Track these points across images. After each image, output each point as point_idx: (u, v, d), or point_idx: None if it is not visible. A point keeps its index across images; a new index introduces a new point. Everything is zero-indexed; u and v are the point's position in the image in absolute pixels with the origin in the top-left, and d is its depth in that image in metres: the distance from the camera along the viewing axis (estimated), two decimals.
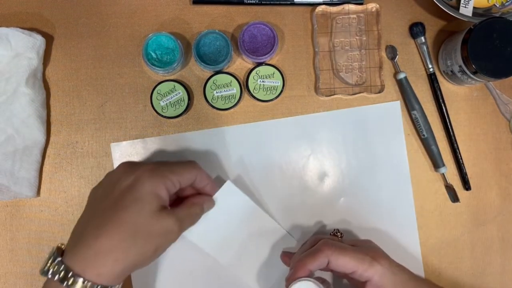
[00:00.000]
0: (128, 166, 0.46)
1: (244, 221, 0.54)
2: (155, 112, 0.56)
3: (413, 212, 0.59)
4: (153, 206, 0.43)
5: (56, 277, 0.41)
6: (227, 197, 0.53)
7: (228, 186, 0.53)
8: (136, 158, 0.58)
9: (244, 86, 0.58)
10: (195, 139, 0.58)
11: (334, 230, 0.55)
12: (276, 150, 0.58)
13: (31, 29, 0.56)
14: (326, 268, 0.47)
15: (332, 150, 0.59)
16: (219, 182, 0.55)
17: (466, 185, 0.59)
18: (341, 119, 0.59)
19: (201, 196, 0.51)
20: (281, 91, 0.57)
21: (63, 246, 0.44)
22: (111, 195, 0.44)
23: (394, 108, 0.59)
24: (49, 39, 0.58)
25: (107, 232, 0.41)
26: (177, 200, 0.51)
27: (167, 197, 0.45)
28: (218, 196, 0.52)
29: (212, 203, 0.52)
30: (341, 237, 0.54)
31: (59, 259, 0.42)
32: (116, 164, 0.57)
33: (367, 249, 0.49)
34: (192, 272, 0.57)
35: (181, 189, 0.49)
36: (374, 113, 0.59)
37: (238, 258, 0.54)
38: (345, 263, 0.46)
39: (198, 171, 0.49)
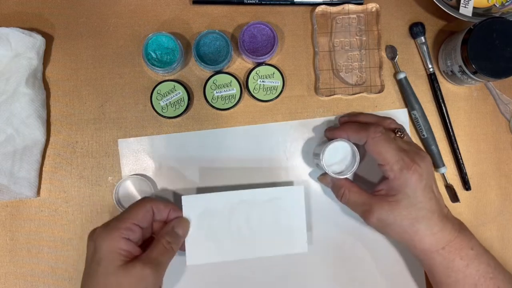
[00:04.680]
0: (89, 235, 0.47)
1: (229, 213, 0.51)
2: (155, 112, 0.56)
3: None
4: (117, 262, 0.44)
5: None
6: (195, 208, 0.51)
7: (187, 200, 0.51)
8: (142, 154, 0.57)
9: (244, 86, 0.58)
10: (206, 138, 0.58)
11: (396, 129, 0.52)
12: (277, 151, 0.58)
13: (31, 29, 0.56)
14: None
15: (337, 154, 0.58)
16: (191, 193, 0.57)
17: (466, 185, 0.59)
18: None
19: (168, 224, 0.49)
20: (281, 91, 0.57)
21: None
22: (86, 267, 0.46)
23: (401, 115, 0.59)
24: (49, 39, 0.58)
25: None
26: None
27: (130, 246, 0.45)
28: (187, 214, 0.51)
29: (184, 222, 0.50)
30: (402, 137, 0.52)
31: None
32: (123, 160, 0.57)
33: (415, 154, 0.49)
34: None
35: (148, 229, 0.49)
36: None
37: (249, 245, 0.51)
38: (380, 152, 0.49)
39: (151, 204, 0.48)
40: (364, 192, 0.52)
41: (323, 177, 0.56)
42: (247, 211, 0.51)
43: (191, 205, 0.51)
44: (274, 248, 0.52)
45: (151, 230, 0.50)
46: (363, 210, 0.51)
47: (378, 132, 0.49)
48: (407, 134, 0.54)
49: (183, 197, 0.51)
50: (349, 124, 0.53)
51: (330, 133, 0.56)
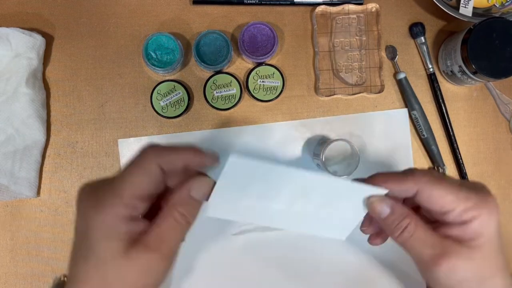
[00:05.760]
0: (77, 204, 0.35)
1: (279, 188, 0.37)
2: (155, 112, 0.56)
3: None
4: (115, 251, 0.33)
5: None
6: (240, 175, 0.35)
7: (231, 164, 0.34)
8: None
9: (244, 86, 0.58)
10: (206, 138, 0.58)
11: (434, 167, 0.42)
12: (278, 152, 0.58)
13: (31, 29, 0.56)
14: (412, 202, 0.37)
15: (337, 154, 0.58)
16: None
17: None
18: (348, 124, 0.59)
19: (182, 187, 0.35)
20: (281, 91, 0.57)
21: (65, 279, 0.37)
22: (75, 247, 0.35)
23: (401, 115, 0.59)
24: (49, 39, 0.58)
25: None
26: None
27: (132, 225, 0.33)
28: (226, 178, 0.35)
29: (206, 183, 0.36)
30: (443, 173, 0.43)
31: None
32: (123, 160, 0.57)
33: (475, 189, 0.37)
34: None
35: (159, 187, 0.36)
36: (381, 120, 0.59)
37: (287, 217, 0.40)
38: (441, 195, 0.35)
39: (158, 162, 0.34)
40: (433, 231, 0.37)
41: (379, 200, 0.37)
42: (304, 192, 0.38)
43: (237, 170, 0.35)
44: (311, 226, 0.40)
45: (163, 186, 0.36)
46: (433, 253, 0.36)
47: (428, 174, 0.36)
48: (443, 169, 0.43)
49: (231, 157, 0.34)
50: (387, 175, 0.38)
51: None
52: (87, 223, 0.33)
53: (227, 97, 0.57)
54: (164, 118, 0.57)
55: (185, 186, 0.35)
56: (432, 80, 0.59)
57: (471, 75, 0.54)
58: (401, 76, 0.58)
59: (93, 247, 0.33)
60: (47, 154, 0.57)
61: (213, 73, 0.57)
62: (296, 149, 0.59)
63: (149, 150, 0.35)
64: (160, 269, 0.34)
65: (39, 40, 0.55)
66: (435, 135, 0.59)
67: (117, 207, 0.33)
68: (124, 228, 0.33)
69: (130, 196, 0.33)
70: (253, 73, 0.57)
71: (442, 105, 0.59)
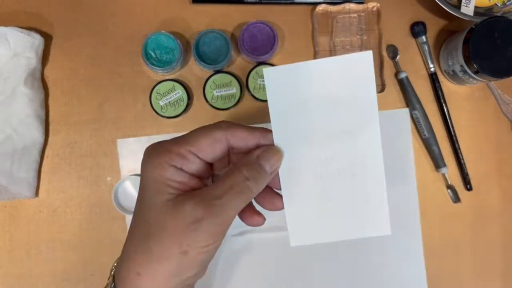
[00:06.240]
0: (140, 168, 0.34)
1: (351, 121, 0.34)
2: (154, 112, 0.56)
3: (417, 214, 0.58)
4: (161, 196, 0.31)
5: None
6: (354, 70, 0.33)
7: (365, 56, 0.33)
8: (141, 154, 0.56)
9: (244, 85, 0.57)
10: None
11: None
12: None
13: (29, 29, 0.56)
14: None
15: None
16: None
17: (467, 185, 0.59)
18: None
19: (252, 153, 0.33)
20: None
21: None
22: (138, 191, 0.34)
23: (402, 115, 0.59)
24: (48, 39, 0.57)
25: (146, 273, 0.32)
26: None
27: (182, 176, 0.32)
28: (348, 60, 0.33)
29: (275, 153, 0.33)
30: None
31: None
32: (122, 160, 0.57)
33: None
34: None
35: (223, 162, 0.35)
36: (382, 119, 0.58)
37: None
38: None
39: (226, 133, 0.33)
40: None
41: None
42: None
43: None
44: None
45: (228, 163, 0.36)
46: None
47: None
48: None
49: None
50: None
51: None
52: (142, 175, 0.33)
53: (227, 97, 0.56)
54: (164, 118, 0.56)
55: (254, 152, 0.33)
56: (433, 79, 0.59)
57: (472, 75, 0.53)
58: (402, 75, 0.58)
59: (145, 189, 0.32)
60: (46, 154, 0.57)
61: (212, 73, 0.57)
62: None
63: (223, 122, 0.34)
64: (204, 229, 0.30)
65: (37, 39, 0.55)
66: (436, 135, 0.58)
67: (170, 154, 0.32)
68: (173, 176, 0.32)
69: (185, 148, 0.32)
70: (253, 72, 0.56)
71: (444, 105, 0.59)
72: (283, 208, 0.35)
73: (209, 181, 0.36)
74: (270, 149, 0.33)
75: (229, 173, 0.32)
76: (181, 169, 0.32)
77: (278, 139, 0.34)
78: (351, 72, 0.33)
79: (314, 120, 0.34)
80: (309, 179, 0.34)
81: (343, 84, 0.33)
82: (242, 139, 0.34)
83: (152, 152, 0.33)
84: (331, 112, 0.34)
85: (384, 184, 0.34)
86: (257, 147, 0.34)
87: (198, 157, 0.33)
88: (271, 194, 0.35)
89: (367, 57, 0.32)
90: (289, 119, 0.34)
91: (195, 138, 0.33)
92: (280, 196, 0.35)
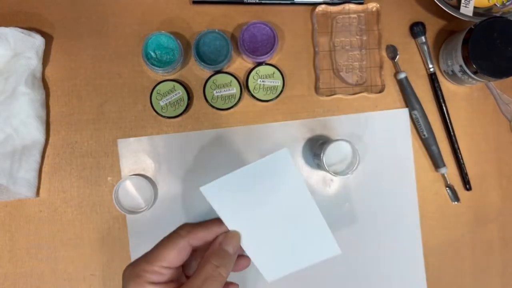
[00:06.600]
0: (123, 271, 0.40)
1: (285, 199, 0.40)
2: (154, 112, 0.56)
3: (417, 214, 0.58)
4: None
5: None
6: (276, 165, 0.39)
7: (282, 154, 0.38)
8: (142, 154, 0.57)
9: (244, 86, 0.57)
10: (205, 138, 0.58)
11: None
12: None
13: (30, 29, 0.56)
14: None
15: (337, 154, 0.58)
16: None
17: (467, 185, 0.59)
18: (348, 123, 0.59)
19: (214, 242, 0.40)
20: (281, 91, 0.57)
21: None
22: None
23: (402, 115, 0.59)
24: (48, 39, 0.57)
25: None
26: None
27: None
28: (269, 160, 0.38)
29: (234, 236, 0.40)
30: None
31: None
32: (123, 160, 0.57)
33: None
34: None
35: (189, 259, 0.40)
36: (382, 119, 0.59)
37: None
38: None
39: (188, 239, 0.38)
40: None
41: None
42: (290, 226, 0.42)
43: (279, 162, 0.39)
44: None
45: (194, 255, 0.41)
46: None
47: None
48: None
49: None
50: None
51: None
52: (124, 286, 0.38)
53: (227, 97, 0.56)
54: (164, 118, 0.56)
55: (216, 240, 0.39)
56: (432, 79, 0.59)
57: (472, 75, 0.53)
58: (402, 75, 0.58)
59: None
60: (46, 154, 0.57)
61: (213, 73, 0.57)
62: (296, 149, 0.58)
63: (182, 229, 0.39)
64: None
65: (38, 39, 0.55)
66: (436, 135, 0.58)
67: (146, 274, 0.37)
68: None
69: (158, 265, 0.37)
70: (253, 72, 0.57)
71: (443, 105, 0.59)
72: (248, 266, 0.42)
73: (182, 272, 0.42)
74: (228, 234, 0.40)
75: (201, 266, 0.38)
76: (158, 283, 0.37)
77: (232, 227, 0.40)
78: (275, 170, 0.39)
79: (257, 210, 0.40)
80: (263, 234, 0.41)
81: (271, 180, 0.40)
82: (202, 238, 0.39)
83: (130, 276, 0.37)
84: (270, 200, 0.40)
85: (323, 219, 0.41)
86: (217, 237, 0.40)
87: (169, 267, 0.38)
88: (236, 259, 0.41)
89: (283, 154, 0.38)
90: (237, 213, 0.40)
91: (164, 253, 0.38)
92: (242, 256, 0.41)
